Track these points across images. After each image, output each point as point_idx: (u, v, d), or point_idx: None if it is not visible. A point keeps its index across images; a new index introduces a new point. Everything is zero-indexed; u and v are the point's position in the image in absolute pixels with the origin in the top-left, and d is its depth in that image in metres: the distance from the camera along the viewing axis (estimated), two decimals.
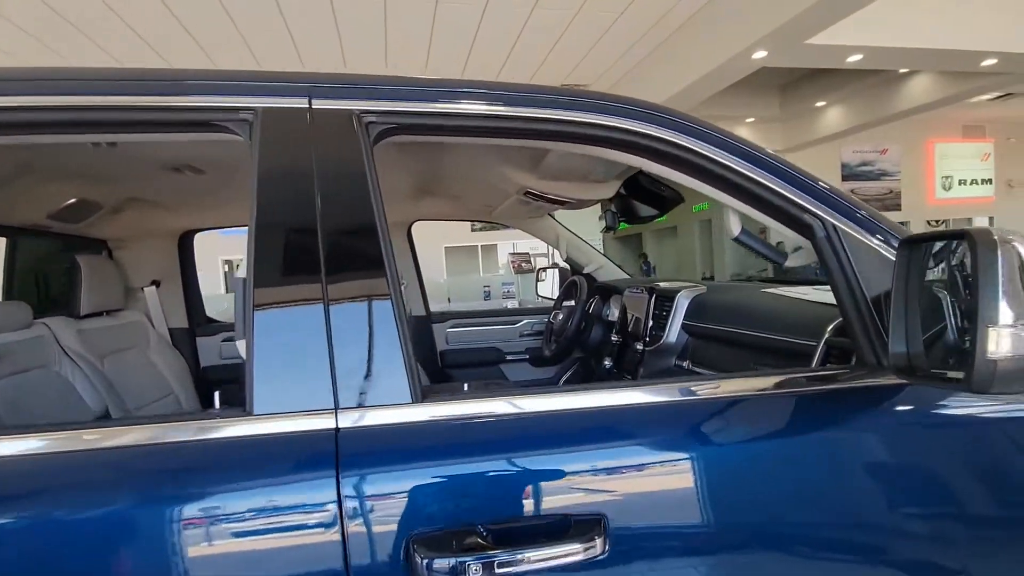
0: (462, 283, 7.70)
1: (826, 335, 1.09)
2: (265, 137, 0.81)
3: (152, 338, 2.09)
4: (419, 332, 2.50)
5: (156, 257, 2.21)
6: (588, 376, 2.63)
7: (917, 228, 12.11)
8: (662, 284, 1.78)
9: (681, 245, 14.21)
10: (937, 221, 12.24)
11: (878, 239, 0.94)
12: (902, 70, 8.35)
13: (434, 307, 2.97)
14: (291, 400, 0.72)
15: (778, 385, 0.87)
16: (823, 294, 1.36)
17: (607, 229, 1.83)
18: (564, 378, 2.66)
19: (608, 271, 2.56)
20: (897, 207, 11.91)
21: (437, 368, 2.54)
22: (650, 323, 1.70)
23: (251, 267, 0.76)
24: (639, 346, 1.69)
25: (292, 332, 0.75)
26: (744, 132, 11.38)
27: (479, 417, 0.76)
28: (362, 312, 0.78)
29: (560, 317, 2.25)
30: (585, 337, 2.20)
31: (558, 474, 0.74)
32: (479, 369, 2.59)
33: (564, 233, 2.52)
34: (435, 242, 9.47)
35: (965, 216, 12.33)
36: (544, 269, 2.93)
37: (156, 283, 2.18)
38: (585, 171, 1.49)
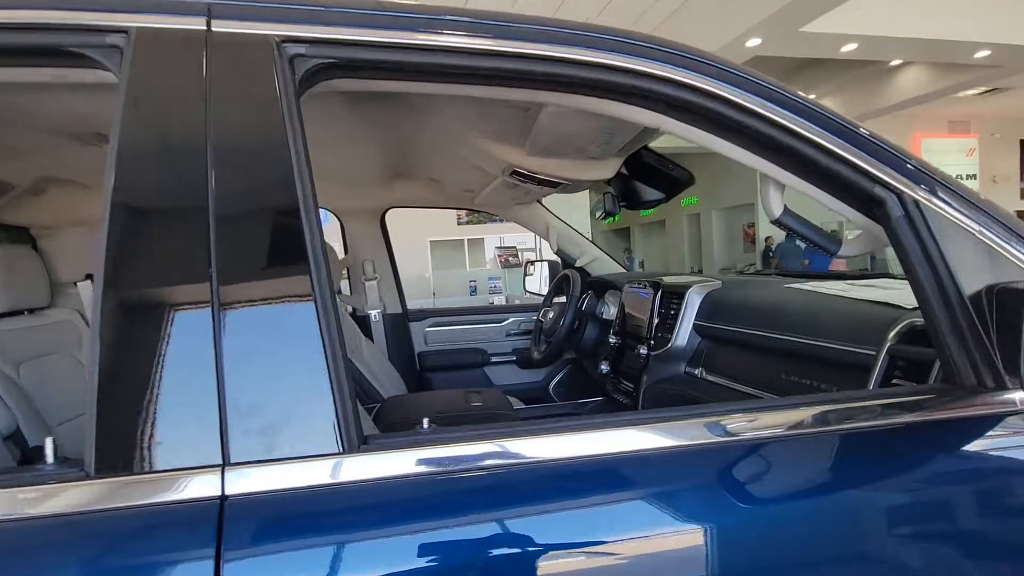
0: (448, 278, 7.44)
1: (888, 342, 0.86)
2: (138, 72, 0.56)
3: (85, 340, 1.81)
4: (394, 332, 2.25)
5: (89, 248, 1.92)
6: (581, 380, 2.40)
7: None
8: (669, 279, 1.54)
9: (669, 240, 14.06)
10: None
11: (974, 219, 0.71)
12: (893, 62, 8.23)
13: (418, 303, 2.72)
14: (154, 453, 0.48)
15: (839, 416, 0.63)
16: (868, 290, 1.13)
17: (606, 215, 1.60)
18: (554, 382, 2.42)
19: (603, 264, 2.32)
20: None
21: (414, 372, 2.29)
22: (655, 323, 1.47)
23: (104, 260, 0.51)
24: (643, 350, 1.46)
25: (159, 351, 0.50)
26: None
27: (440, 472, 0.52)
28: (271, 322, 0.54)
29: (551, 315, 2.01)
30: (578, 338, 1.96)
31: (547, 552, 0.51)
32: (461, 372, 2.34)
33: (555, 222, 2.27)
34: (420, 236, 9.17)
35: None
36: (532, 262, 2.69)
37: (90, 277, 1.90)
38: (581, 145, 1.25)
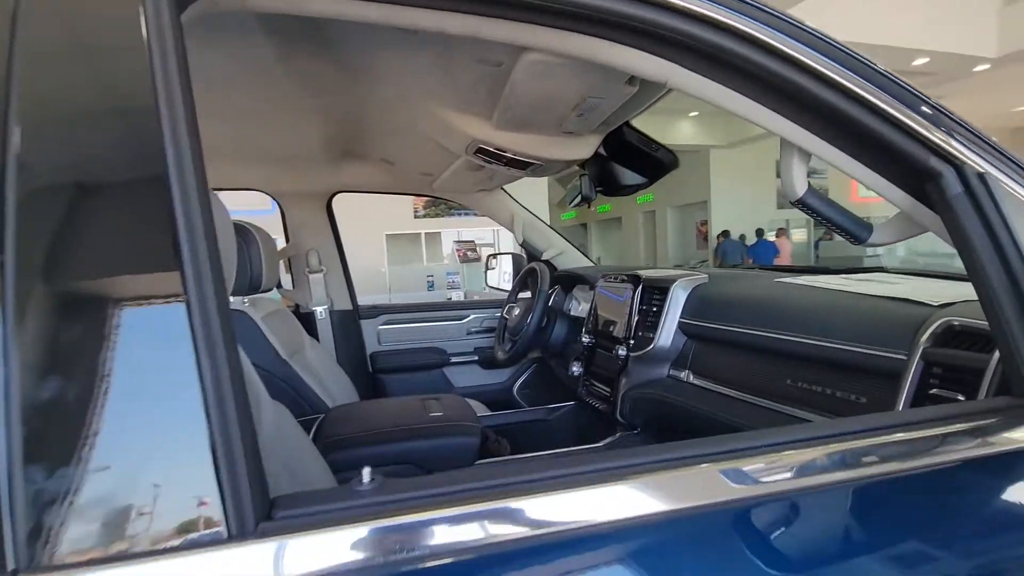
0: (404, 273, 7.15)
1: (920, 345, 0.74)
2: None
3: None
4: (343, 330, 2.01)
5: None
6: (548, 381, 2.24)
7: None
8: (649, 272, 1.40)
9: (625, 236, 14.19)
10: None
11: None
12: None
13: (373, 299, 2.48)
14: None
15: (897, 452, 0.49)
16: (875, 285, 1.01)
17: (582, 201, 1.43)
18: (519, 383, 2.25)
19: (570, 257, 2.16)
20: None
21: (366, 375, 2.07)
22: (635, 321, 1.32)
23: None
24: (621, 351, 1.31)
25: None
26: (687, 126, 11.43)
27: (388, 562, 0.34)
28: (114, 344, 0.34)
29: (516, 312, 1.83)
30: (546, 336, 1.80)
31: None
32: (418, 374, 2.13)
33: (520, 212, 2.09)
34: (376, 229, 8.81)
35: (882, 213, 12.97)
36: (495, 255, 2.51)
37: None
38: (558, 116, 1.07)
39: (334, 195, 1.94)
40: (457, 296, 6.09)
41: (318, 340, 1.92)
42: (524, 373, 2.26)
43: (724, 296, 1.17)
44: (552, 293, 2.02)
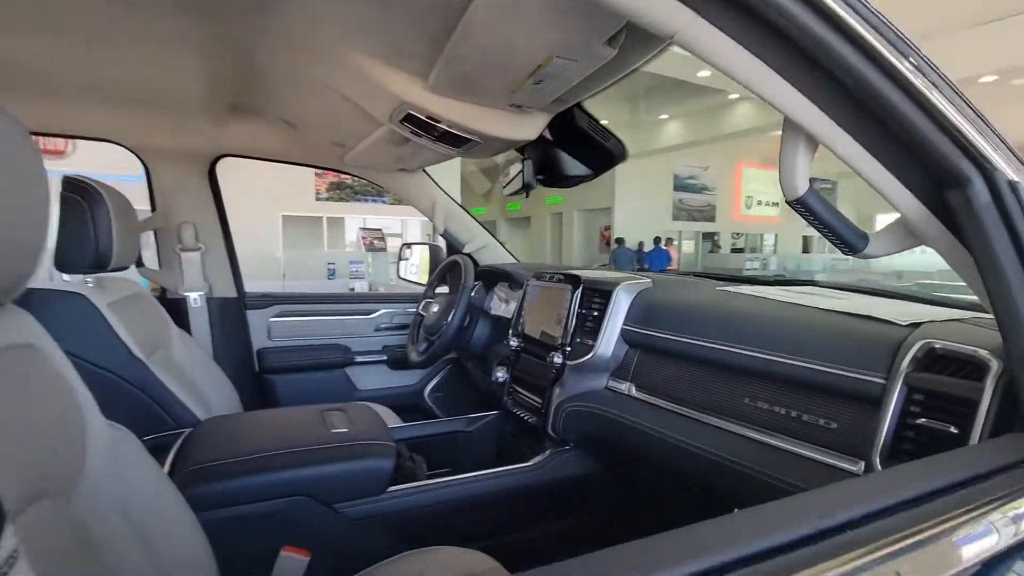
0: (303, 259, 6.53)
1: (903, 369, 0.67)
2: None
3: None
4: (225, 322, 1.68)
5: None
6: (463, 386, 2.06)
7: (725, 239, 13.83)
8: (588, 272, 1.27)
9: (534, 236, 14.36)
10: (737, 234, 14.09)
11: None
12: (732, 96, 9.20)
13: (265, 285, 2.13)
14: None
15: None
16: (822, 299, 0.96)
17: (522, 190, 1.27)
18: (431, 386, 2.05)
19: (493, 252, 2.00)
20: (712, 219, 13.41)
21: (252, 376, 1.75)
22: (572, 326, 1.19)
23: None
24: (556, 358, 1.17)
25: None
26: None
27: None
28: None
29: (435, 309, 1.63)
30: (468, 337, 1.62)
31: None
32: (315, 375, 1.85)
33: (443, 199, 1.89)
34: (270, 209, 8.03)
35: (758, 231, 14.39)
36: (410, 245, 2.27)
37: None
38: (509, 82, 0.90)
39: (218, 159, 1.60)
40: (361, 287, 5.68)
41: (191, 333, 1.58)
42: (436, 375, 2.06)
43: (671, 303, 1.08)
44: (475, 290, 1.85)
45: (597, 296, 1.19)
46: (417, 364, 1.62)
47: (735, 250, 13.49)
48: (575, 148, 1.17)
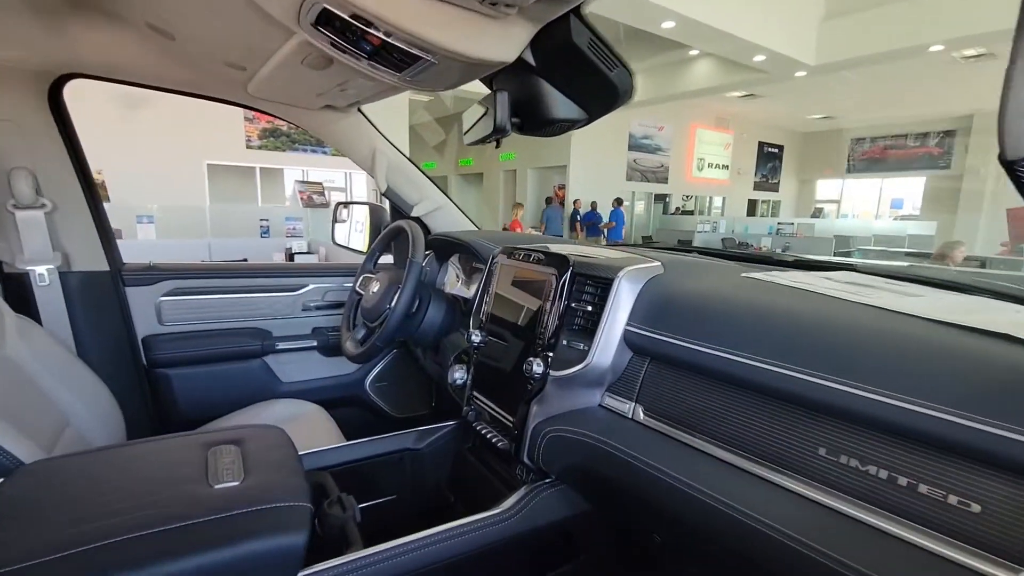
0: (232, 214, 5.84)
1: None
2: None
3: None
4: (90, 304, 1.27)
5: None
6: (414, 377, 1.75)
7: (676, 201, 13.85)
8: (578, 251, 0.97)
9: (485, 194, 13.87)
10: (687, 196, 14.15)
11: None
12: (693, 52, 8.91)
13: (188, 244, 1.67)
14: None
15: None
16: (907, 300, 0.71)
17: (493, 134, 0.92)
18: (373, 375, 1.72)
19: (449, 217, 1.66)
20: (665, 180, 13.35)
21: (135, 372, 1.36)
22: (557, 323, 0.89)
23: None
24: (536, 366, 0.87)
25: None
26: None
27: None
28: None
29: (375, 287, 1.29)
30: (417, 323, 1.30)
31: None
32: (226, 367, 1.48)
33: (385, 149, 1.51)
34: (192, 156, 7.16)
35: (708, 194, 14.51)
36: (345, 204, 1.89)
37: None
38: None
39: (62, 81, 1.14)
40: (299, 245, 5.14)
41: (40, 321, 1.16)
42: (380, 362, 1.73)
43: (692, 297, 0.79)
44: (426, 263, 1.52)
45: (591, 284, 0.89)
46: (354, 358, 1.29)
47: (685, 212, 13.56)
48: (566, 79, 0.83)
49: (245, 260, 4.58)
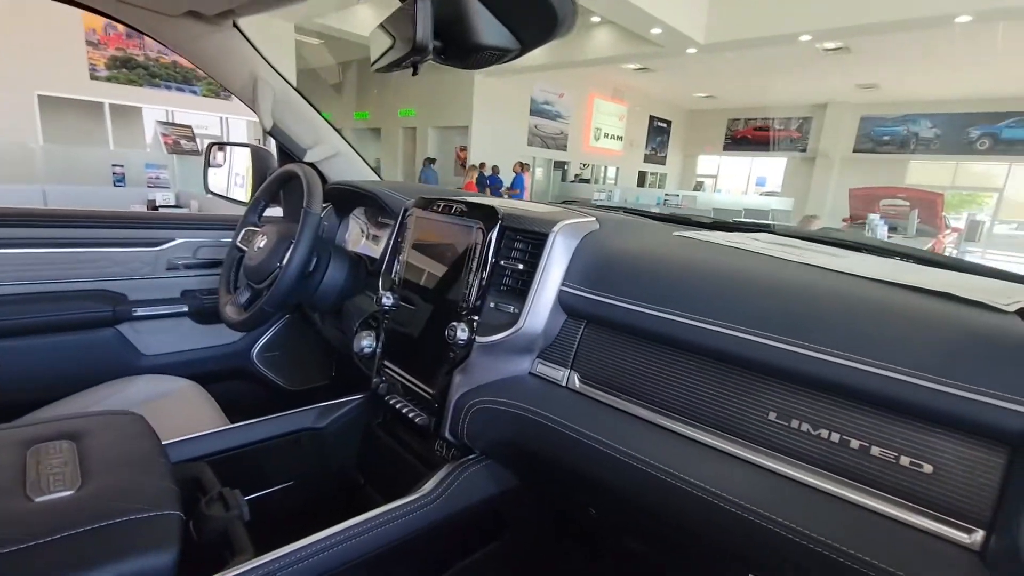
0: (76, 157, 4.84)
1: None
2: None
3: None
4: None
5: None
6: (310, 344, 1.56)
7: (573, 169, 14.16)
8: (508, 205, 0.86)
9: (383, 151, 13.12)
10: (584, 165, 14.54)
11: None
12: (594, 19, 8.94)
13: (9, 190, 1.28)
14: None
15: None
16: (832, 259, 0.70)
17: (411, 55, 0.76)
18: (262, 343, 1.50)
19: (349, 165, 1.46)
20: (564, 148, 13.55)
21: None
22: (484, 283, 0.79)
23: None
24: (460, 332, 0.77)
25: None
26: None
27: None
28: None
29: (262, 243, 1.09)
30: (314, 286, 1.12)
31: None
32: (65, 339, 1.19)
33: (269, 76, 1.26)
34: (21, 86, 5.85)
35: (603, 163, 15.03)
36: (222, 146, 1.60)
37: None
38: None
39: None
40: (164, 198, 4.44)
41: None
42: (270, 328, 1.52)
43: (632, 255, 0.73)
44: (324, 216, 1.33)
45: (521, 240, 0.79)
46: (237, 325, 1.08)
47: (583, 180, 13.94)
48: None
49: None
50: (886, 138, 13.18)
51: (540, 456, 0.73)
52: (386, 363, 0.95)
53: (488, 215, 0.81)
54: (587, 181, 14.06)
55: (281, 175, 1.18)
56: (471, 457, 0.81)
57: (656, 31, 7.89)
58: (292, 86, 1.31)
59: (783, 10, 7.28)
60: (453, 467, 0.78)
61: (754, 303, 0.59)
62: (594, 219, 0.81)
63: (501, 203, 0.86)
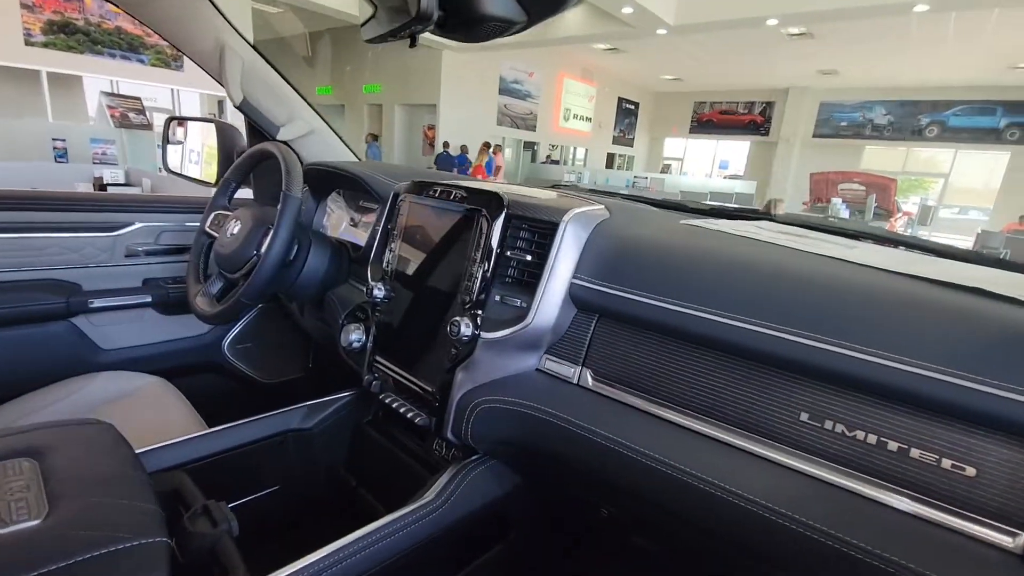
0: (9, 129, 4.43)
1: None
2: None
3: None
4: None
5: None
6: (285, 329, 1.48)
7: (543, 150, 14.05)
8: (514, 191, 0.81)
9: (348, 129, 12.66)
10: (553, 146, 14.46)
11: None
12: None
13: None
14: None
15: None
16: (850, 251, 0.68)
17: (407, 27, 0.69)
18: (234, 334, 1.41)
19: (324, 145, 1.36)
20: (533, 128, 13.42)
21: None
22: (486, 275, 0.74)
23: None
24: (464, 328, 0.72)
25: None
26: None
27: None
28: None
29: (237, 228, 1.00)
30: (294, 275, 1.05)
31: None
32: (12, 334, 1.08)
33: (238, 45, 1.15)
34: None
35: (572, 144, 14.98)
36: (181, 121, 1.47)
37: None
38: None
39: None
40: (112, 175, 4.14)
41: None
42: (243, 317, 1.43)
43: (646, 245, 0.69)
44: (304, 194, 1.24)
45: (527, 230, 0.74)
46: (211, 317, 1.00)
47: (553, 161, 13.86)
48: None
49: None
50: (844, 124, 13.61)
51: (551, 456, 0.69)
52: (378, 358, 0.89)
53: (492, 202, 0.75)
54: (556, 162, 13.99)
55: (255, 154, 1.08)
56: (475, 458, 0.77)
57: (627, 10, 7.82)
58: (263, 56, 1.20)
59: None
60: (457, 469, 0.74)
61: (779, 297, 0.57)
62: (603, 207, 0.77)
63: (503, 189, 0.80)
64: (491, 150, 10.82)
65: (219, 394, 1.35)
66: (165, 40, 1.11)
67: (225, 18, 1.10)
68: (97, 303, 1.18)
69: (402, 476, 0.85)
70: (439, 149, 10.88)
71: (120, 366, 1.20)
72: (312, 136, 1.34)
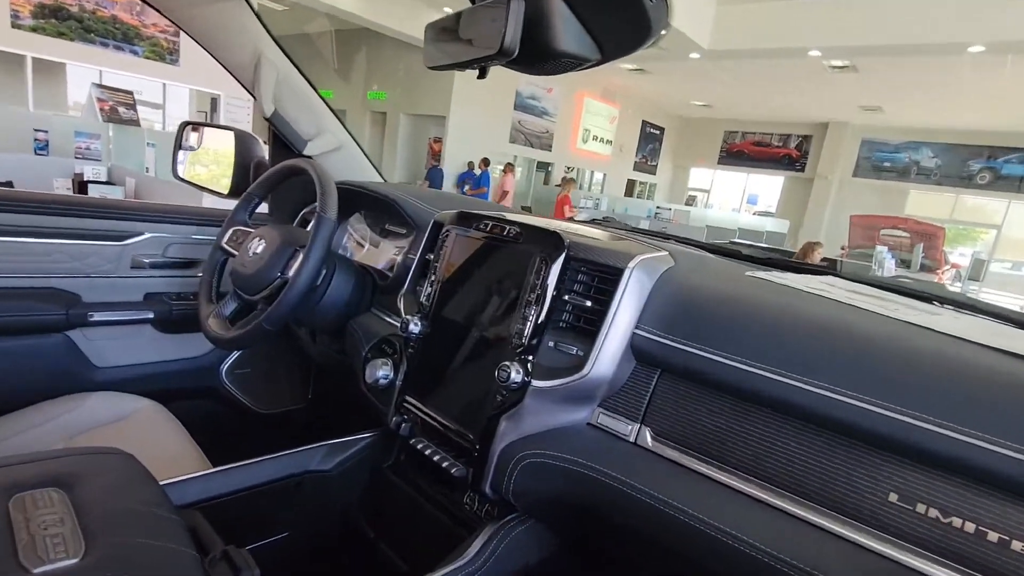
0: None
1: None
2: None
3: None
4: None
5: None
6: (290, 356, 1.50)
7: (558, 172, 14.30)
8: (574, 231, 0.85)
9: None
10: (569, 167, 14.72)
11: None
12: None
13: None
14: None
15: None
16: (932, 316, 0.71)
17: (491, 59, 0.73)
18: (232, 360, 1.43)
19: (351, 162, 1.42)
20: (549, 147, 13.68)
21: None
22: (535, 317, 0.77)
23: None
24: (514, 373, 0.74)
25: None
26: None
27: None
28: None
29: (260, 248, 1.04)
30: (315, 300, 1.08)
31: None
32: (4, 345, 1.10)
33: (275, 57, 1.21)
34: None
35: (590, 167, 15.24)
36: (197, 127, 1.53)
37: None
38: None
39: None
40: (94, 172, 4.23)
41: None
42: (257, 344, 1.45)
43: (716, 298, 0.73)
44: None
45: (587, 274, 0.78)
46: (226, 342, 1.03)
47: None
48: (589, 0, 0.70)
49: (9, 184, 3.64)
50: (887, 164, 13.87)
51: (603, 521, 0.71)
52: (407, 398, 0.91)
53: (551, 242, 0.79)
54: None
55: (283, 170, 1.13)
56: (512, 516, 0.78)
57: (660, 32, 8.08)
58: (297, 68, 1.27)
59: (793, 23, 7.60)
60: (496, 528, 0.75)
61: (870, 368, 0.59)
62: (667, 254, 0.81)
63: (563, 227, 0.84)
64: (501, 168, 11.00)
65: (214, 422, 1.36)
66: (201, 46, 1.17)
67: (266, 28, 1.17)
68: (96, 316, 1.21)
69: (427, 530, 0.86)
70: (449, 165, 11.06)
71: (113, 386, 1.21)
72: (340, 152, 1.39)
